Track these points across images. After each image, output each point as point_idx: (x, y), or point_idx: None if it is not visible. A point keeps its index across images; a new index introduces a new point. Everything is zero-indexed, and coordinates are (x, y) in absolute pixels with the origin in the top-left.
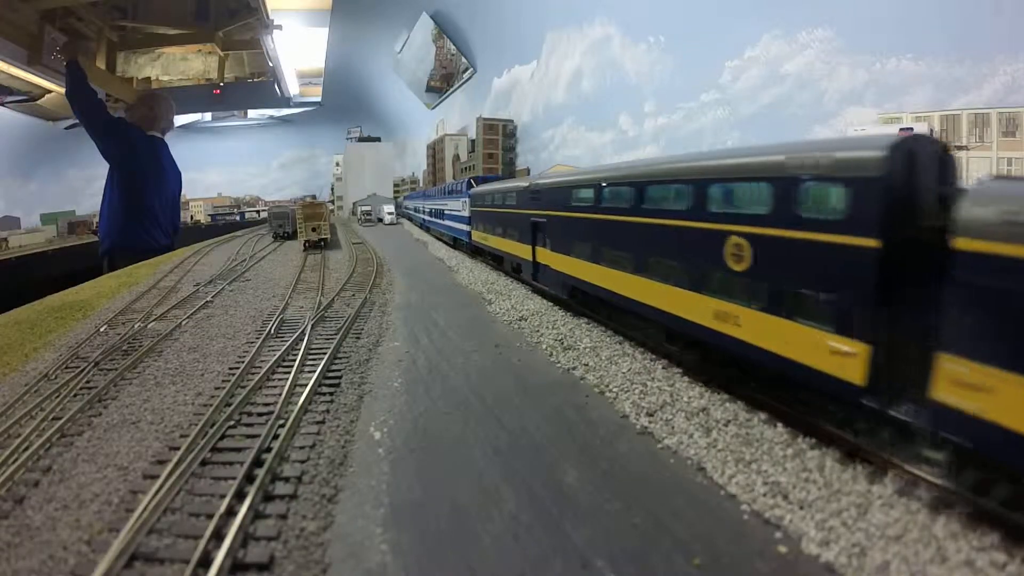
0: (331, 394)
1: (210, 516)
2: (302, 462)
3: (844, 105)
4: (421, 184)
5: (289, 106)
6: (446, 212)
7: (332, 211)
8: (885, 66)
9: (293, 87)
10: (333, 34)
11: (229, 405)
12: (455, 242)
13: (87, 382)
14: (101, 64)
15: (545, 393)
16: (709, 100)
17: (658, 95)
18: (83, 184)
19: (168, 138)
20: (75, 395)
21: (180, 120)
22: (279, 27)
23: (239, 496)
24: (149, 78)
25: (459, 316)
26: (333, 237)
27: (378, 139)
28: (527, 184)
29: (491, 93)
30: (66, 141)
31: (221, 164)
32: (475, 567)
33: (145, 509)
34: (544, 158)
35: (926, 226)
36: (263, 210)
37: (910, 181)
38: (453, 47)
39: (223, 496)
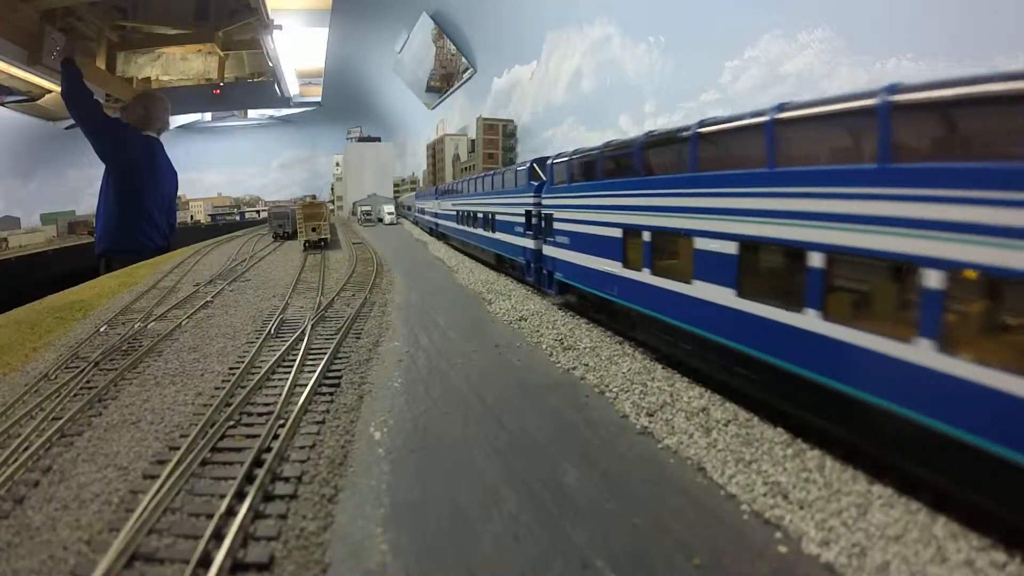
0: (331, 394)
1: (210, 516)
2: (302, 462)
3: None
4: (421, 184)
5: (289, 106)
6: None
7: (332, 211)
8: (885, 66)
9: (293, 87)
10: (333, 34)
11: (229, 405)
12: None
13: (87, 382)
14: (101, 64)
15: (545, 393)
16: (709, 100)
17: (658, 95)
18: (83, 184)
19: (168, 138)
20: (75, 395)
21: (180, 120)
22: (279, 27)
23: (239, 496)
24: (149, 78)
25: (459, 316)
26: (333, 237)
27: (378, 139)
28: None
29: (491, 93)
30: (66, 141)
31: (221, 164)
32: (475, 567)
33: (145, 509)
34: None
35: None
36: (263, 210)
37: None
38: (453, 47)
39: (223, 496)
